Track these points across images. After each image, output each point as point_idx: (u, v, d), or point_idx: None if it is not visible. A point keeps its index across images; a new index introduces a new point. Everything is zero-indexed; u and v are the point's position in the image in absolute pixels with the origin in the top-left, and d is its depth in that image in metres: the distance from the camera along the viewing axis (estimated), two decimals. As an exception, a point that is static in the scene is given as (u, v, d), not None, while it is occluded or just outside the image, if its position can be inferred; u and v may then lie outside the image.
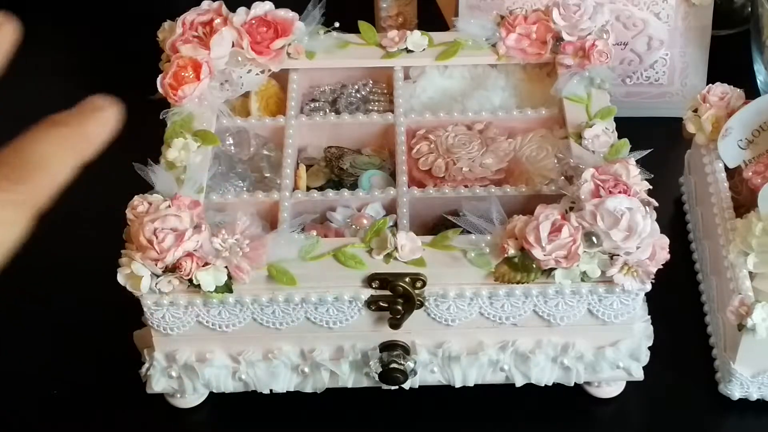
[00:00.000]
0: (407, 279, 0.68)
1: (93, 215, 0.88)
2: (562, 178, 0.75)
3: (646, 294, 0.71)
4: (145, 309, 0.70)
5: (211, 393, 0.76)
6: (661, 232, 0.68)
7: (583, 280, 0.68)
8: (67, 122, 0.41)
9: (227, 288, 0.68)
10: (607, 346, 0.73)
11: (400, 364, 0.72)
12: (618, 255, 0.67)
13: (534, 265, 0.67)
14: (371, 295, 0.69)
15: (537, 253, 0.66)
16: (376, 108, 0.84)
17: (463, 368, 0.73)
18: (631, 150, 0.74)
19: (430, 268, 0.69)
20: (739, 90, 0.82)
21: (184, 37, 0.80)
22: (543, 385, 0.74)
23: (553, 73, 0.83)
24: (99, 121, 0.42)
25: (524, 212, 0.69)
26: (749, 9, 1.00)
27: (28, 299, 0.85)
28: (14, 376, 0.80)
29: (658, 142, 0.79)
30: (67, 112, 0.41)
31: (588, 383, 0.76)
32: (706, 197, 0.80)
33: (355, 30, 0.85)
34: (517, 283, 0.68)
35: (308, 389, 0.74)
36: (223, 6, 0.82)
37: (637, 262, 0.67)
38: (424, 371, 0.73)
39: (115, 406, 0.78)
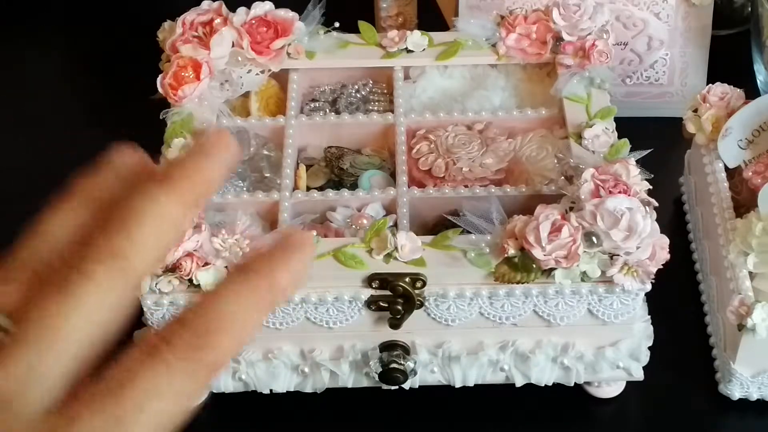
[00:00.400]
0: (407, 279, 0.68)
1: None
2: (562, 178, 0.75)
3: (646, 294, 0.71)
4: (145, 309, 0.70)
5: (211, 393, 0.76)
6: (661, 232, 0.68)
7: (583, 280, 0.68)
8: (258, 270, 0.34)
9: (227, 288, 0.68)
10: (607, 346, 0.73)
11: (400, 364, 0.72)
12: (618, 255, 0.67)
13: (534, 265, 0.67)
14: (371, 295, 0.69)
15: (537, 253, 0.66)
16: (376, 108, 0.84)
17: (463, 368, 0.73)
18: (631, 150, 0.74)
19: (430, 268, 0.69)
20: (739, 90, 0.82)
21: (184, 37, 0.80)
22: (543, 385, 0.74)
23: (553, 73, 0.83)
24: (294, 268, 0.35)
25: (524, 212, 0.69)
26: (749, 9, 1.00)
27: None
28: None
29: (658, 142, 0.79)
30: (258, 248, 0.35)
31: (588, 383, 0.76)
32: (706, 197, 0.80)
33: (355, 30, 0.85)
34: (517, 283, 0.68)
35: (308, 389, 0.74)
36: (223, 6, 0.82)
37: (637, 262, 0.67)
38: (424, 371, 0.73)
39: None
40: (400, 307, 0.69)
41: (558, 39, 0.82)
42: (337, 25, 0.85)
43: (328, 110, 0.84)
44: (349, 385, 0.74)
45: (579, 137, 0.76)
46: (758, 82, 0.96)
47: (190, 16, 0.82)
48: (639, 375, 0.74)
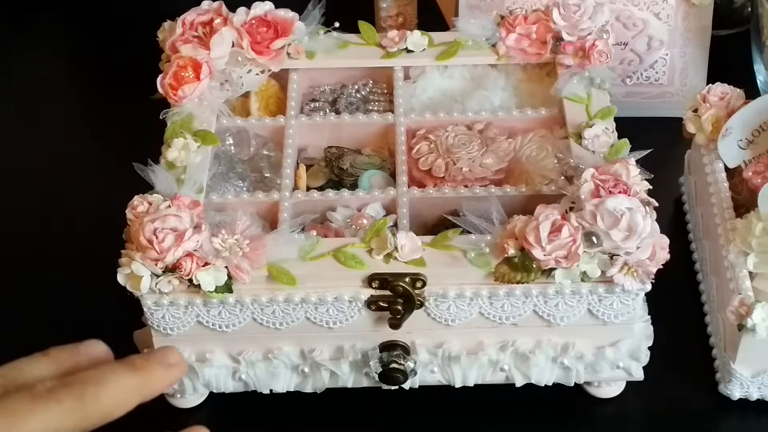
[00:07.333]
0: (407, 279, 0.68)
1: (93, 215, 0.88)
2: (562, 178, 0.75)
3: (646, 294, 0.71)
4: (145, 309, 0.70)
5: (211, 393, 0.76)
6: (661, 232, 0.68)
7: (583, 280, 0.68)
8: (142, 368, 0.49)
9: (227, 288, 0.68)
10: (607, 346, 0.73)
11: (400, 364, 0.72)
12: (618, 255, 0.67)
13: (534, 265, 0.67)
14: (371, 295, 0.69)
15: (537, 253, 0.66)
16: (376, 108, 0.84)
17: (463, 368, 0.73)
18: (631, 150, 0.74)
19: (430, 268, 0.69)
20: (739, 90, 0.82)
21: (184, 37, 0.80)
22: (543, 385, 0.74)
23: (553, 73, 0.83)
24: (166, 376, 0.50)
25: (524, 212, 0.69)
26: (749, 9, 1.00)
27: (28, 299, 0.85)
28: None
29: (658, 142, 0.79)
30: (141, 355, 0.50)
31: (588, 383, 0.76)
32: (706, 197, 0.80)
33: (355, 30, 0.85)
34: (517, 283, 0.68)
35: (308, 389, 0.74)
36: (223, 6, 0.82)
37: (637, 262, 0.67)
38: (424, 371, 0.73)
39: (115, 406, 0.78)
40: (400, 307, 0.69)
41: (558, 39, 0.82)
42: (337, 25, 0.85)
43: (328, 110, 0.84)
44: (349, 385, 0.74)
45: (579, 137, 0.76)
46: (758, 82, 0.96)
47: (190, 16, 0.82)
48: (639, 375, 0.74)
